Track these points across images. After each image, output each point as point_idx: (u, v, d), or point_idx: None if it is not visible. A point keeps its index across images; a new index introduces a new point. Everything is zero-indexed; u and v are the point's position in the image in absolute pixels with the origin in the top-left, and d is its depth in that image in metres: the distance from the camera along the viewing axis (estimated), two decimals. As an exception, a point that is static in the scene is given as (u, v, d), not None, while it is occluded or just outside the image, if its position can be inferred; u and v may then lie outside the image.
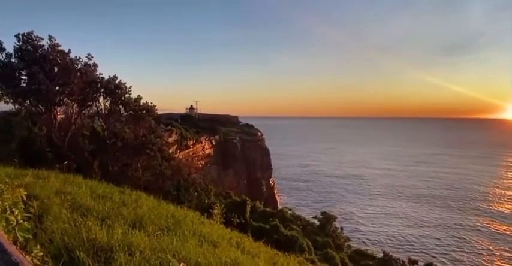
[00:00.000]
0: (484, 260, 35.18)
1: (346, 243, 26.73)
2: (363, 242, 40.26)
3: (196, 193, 16.92)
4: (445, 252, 37.29)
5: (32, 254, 3.04)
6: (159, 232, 6.01)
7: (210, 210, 11.43)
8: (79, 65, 14.18)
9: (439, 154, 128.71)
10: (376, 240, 41.86)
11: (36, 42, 13.37)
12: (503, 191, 66.30)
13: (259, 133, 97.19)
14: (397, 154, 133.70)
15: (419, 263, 22.04)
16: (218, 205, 13.05)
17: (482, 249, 37.37)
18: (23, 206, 3.33)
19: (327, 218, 26.76)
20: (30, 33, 13.25)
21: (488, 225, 46.22)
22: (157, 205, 9.03)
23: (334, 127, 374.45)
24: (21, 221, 3.08)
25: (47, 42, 13.57)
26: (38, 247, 3.32)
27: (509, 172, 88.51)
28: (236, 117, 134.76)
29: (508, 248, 37.46)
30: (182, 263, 2.98)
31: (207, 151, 76.27)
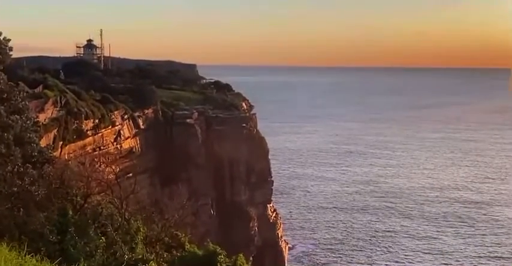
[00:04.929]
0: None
1: None
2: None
3: (103, 239, 16.96)
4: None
5: None
6: None
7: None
8: None
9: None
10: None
11: None
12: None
13: (244, 104, 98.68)
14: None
15: None
16: (154, 264, 13.15)
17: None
18: None
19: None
20: None
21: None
22: (17, 267, 9.00)
23: (353, 84, 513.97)
24: None
25: None
26: None
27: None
28: (193, 66, 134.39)
29: None
30: None
31: (126, 144, 75.93)
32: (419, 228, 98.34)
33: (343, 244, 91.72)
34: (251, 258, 74.06)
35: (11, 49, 16.57)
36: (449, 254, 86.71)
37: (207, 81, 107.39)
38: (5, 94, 16.46)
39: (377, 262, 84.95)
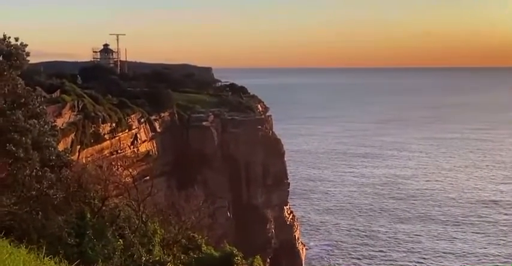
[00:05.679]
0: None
1: None
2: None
3: (121, 241, 17.06)
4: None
5: None
6: None
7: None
8: None
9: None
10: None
11: None
12: None
13: (260, 107, 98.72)
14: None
15: None
16: (171, 265, 13.21)
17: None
18: None
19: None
20: None
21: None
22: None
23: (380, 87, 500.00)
24: None
25: None
26: None
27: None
28: (208, 69, 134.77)
29: None
30: None
31: (143, 148, 76.43)
32: (440, 228, 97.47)
33: (362, 245, 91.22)
34: (268, 260, 74.03)
35: (28, 54, 16.74)
36: (472, 255, 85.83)
37: (223, 83, 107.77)
38: (23, 99, 16.63)
39: (397, 262, 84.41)
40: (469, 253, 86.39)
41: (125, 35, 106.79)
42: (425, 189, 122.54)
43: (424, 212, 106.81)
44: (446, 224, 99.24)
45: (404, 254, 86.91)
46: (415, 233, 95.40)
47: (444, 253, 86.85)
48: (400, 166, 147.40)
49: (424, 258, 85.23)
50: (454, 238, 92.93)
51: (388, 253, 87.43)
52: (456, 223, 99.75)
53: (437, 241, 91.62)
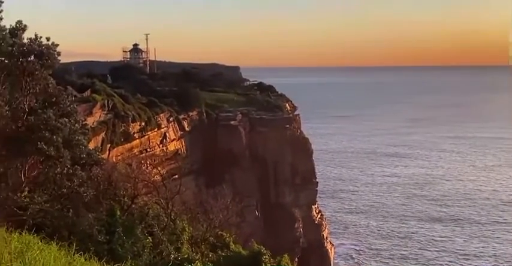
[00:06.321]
0: None
1: None
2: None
3: (150, 239, 17.21)
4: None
5: None
6: None
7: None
8: None
9: None
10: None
11: None
12: None
13: (288, 105, 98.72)
14: None
15: None
16: (199, 264, 13.27)
17: None
18: None
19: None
20: None
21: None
22: (66, 265, 9.20)
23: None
24: None
25: None
26: None
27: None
28: (236, 69, 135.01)
29: None
30: None
31: (171, 146, 77.23)
32: (474, 228, 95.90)
33: (394, 245, 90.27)
34: (296, 259, 73.80)
35: (59, 54, 16.95)
36: (508, 254, 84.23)
37: (251, 83, 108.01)
38: (54, 98, 16.87)
39: (430, 262, 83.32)
40: (505, 253, 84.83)
41: (149, 34, 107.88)
42: (458, 189, 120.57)
43: (457, 212, 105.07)
44: (480, 224, 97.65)
45: (438, 254, 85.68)
46: (448, 233, 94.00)
47: (478, 253, 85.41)
48: (431, 165, 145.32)
49: (458, 258, 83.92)
50: (488, 237, 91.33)
51: (420, 253, 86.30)
52: (490, 223, 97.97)
53: (471, 241, 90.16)
